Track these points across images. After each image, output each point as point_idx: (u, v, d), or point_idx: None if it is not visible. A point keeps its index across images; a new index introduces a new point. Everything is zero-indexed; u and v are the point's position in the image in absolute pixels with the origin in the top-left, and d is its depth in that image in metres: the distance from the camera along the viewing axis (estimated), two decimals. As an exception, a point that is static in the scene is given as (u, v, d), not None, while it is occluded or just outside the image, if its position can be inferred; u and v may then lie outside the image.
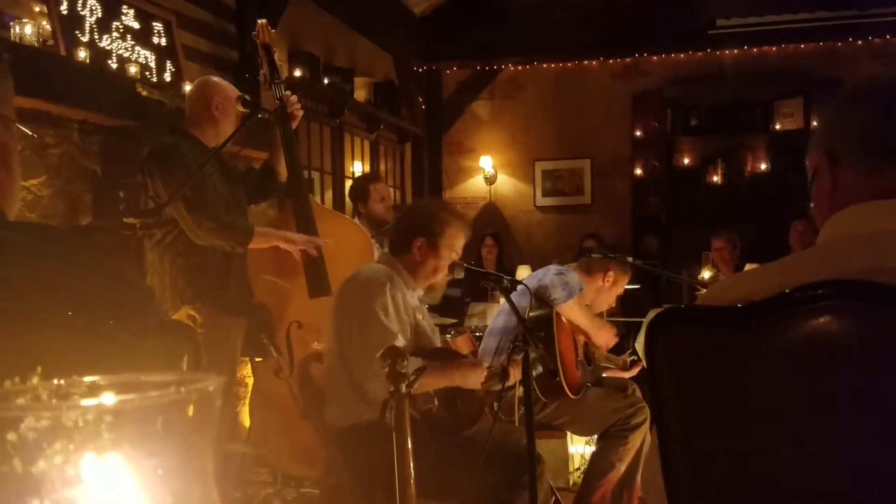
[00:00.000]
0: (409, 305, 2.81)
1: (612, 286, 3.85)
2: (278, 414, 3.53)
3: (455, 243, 2.93)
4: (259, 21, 3.64)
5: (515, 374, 2.83)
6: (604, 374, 4.04)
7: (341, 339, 2.75)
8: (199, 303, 3.25)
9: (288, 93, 3.58)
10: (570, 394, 3.49)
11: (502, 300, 3.72)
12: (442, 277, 2.97)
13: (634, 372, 3.96)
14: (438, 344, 3.04)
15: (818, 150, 1.28)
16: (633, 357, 4.07)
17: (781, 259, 1.23)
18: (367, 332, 2.70)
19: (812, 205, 1.31)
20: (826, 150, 1.26)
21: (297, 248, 3.39)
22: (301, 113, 3.62)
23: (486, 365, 2.77)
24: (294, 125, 3.60)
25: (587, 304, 3.84)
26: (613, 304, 4.06)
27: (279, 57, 3.68)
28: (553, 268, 3.74)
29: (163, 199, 3.16)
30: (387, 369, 2.14)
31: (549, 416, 3.54)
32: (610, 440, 3.53)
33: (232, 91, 3.46)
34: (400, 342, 2.65)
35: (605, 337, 3.79)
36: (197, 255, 3.23)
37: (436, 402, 2.59)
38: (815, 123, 7.68)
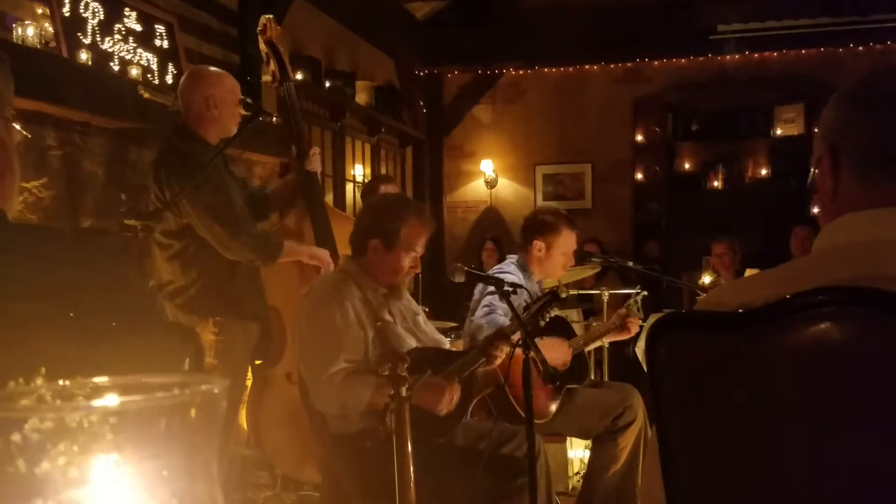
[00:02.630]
0: (362, 311, 2.78)
1: (548, 251, 3.71)
2: (279, 416, 3.53)
3: (413, 242, 2.84)
4: (264, 17, 3.51)
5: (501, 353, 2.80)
6: (607, 343, 3.94)
7: (300, 357, 2.80)
8: (226, 313, 3.23)
9: (316, 149, 3.53)
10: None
11: (476, 292, 3.71)
12: (402, 276, 2.90)
13: (633, 329, 3.79)
14: (420, 326, 3.01)
15: (824, 141, 1.25)
16: (634, 300, 3.84)
17: (779, 266, 1.23)
18: (313, 355, 2.73)
19: (815, 196, 1.28)
20: (831, 147, 1.24)
21: (322, 265, 3.37)
22: (320, 165, 3.59)
23: (453, 391, 2.72)
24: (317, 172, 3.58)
25: (540, 279, 3.80)
26: (571, 263, 3.93)
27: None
28: (486, 301, 3.56)
29: (187, 211, 3.11)
30: (387, 373, 2.14)
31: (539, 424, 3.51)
32: (601, 443, 3.54)
33: (229, 82, 3.34)
34: (342, 363, 2.66)
35: (559, 355, 3.60)
36: (224, 266, 3.20)
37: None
38: (816, 129, 7.66)
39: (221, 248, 3.15)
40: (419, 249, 2.88)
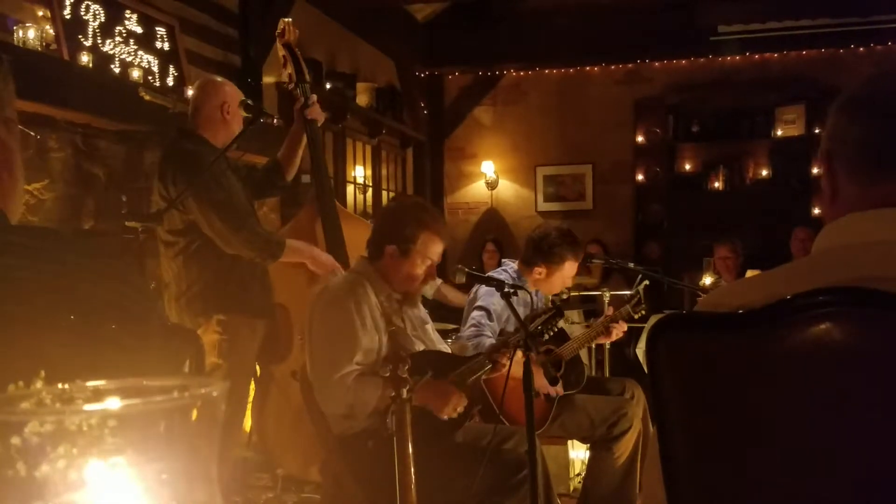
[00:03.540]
0: (377, 314, 2.78)
1: (547, 277, 3.72)
2: (284, 415, 3.53)
3: (429, 250, 2.84)
4: (283, 20, 3.58)
5: (503, 363, 2.80)
6: (607, 344, 4.00)
7: (310, 355, 2.78)
8: (230, 309, 3.24)
9: (313, 96, 3.56)
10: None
11: (467, 302, 3.71)
12: (418, 284, 2.89)
13: (615, 334, 3.77)
14: (428, 335, 3.01)
15: (822, 146, 1.27)
16: (636, 289, 3.79)
17: (779, 267, 1.23)
18: (325, 355, 2.72)
19: (822, 200, 1.30)
20: (827, 151, 1.26)
21: (323, 270, 3.37)
22: (322, 115, 3.60)
23: (459, 398, 2.72)
24: (319, 123, 3.59)
25: (535, 290, 3.80)
26: (569, 284, 3.94)
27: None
28: (473, 318, 3.54)
29: (192, 209, 3.14)
30: (388, 374, 2.14)
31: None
32: (598, 451, 3.55)
33: (238, 91, 3.45)
34: (354, 364, 2.66)
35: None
36: (226, 261, 3.22)
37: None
38: (817, 130, 7.68)
39: (223, 243, 3.18)
40: (435, 258, 2.88)
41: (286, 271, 3.49)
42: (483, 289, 3.57)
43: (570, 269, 3.76)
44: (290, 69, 3.58)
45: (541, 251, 3.71)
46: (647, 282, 3.92)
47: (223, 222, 3.14)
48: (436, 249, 2.87)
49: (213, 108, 3.33)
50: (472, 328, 3.49)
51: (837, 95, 1.28)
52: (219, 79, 3.48)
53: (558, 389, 3.52)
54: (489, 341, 3.38)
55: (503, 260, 4.01)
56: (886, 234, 1.17)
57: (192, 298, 3.22)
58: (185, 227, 3.21)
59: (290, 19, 3.60)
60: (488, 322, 3.49)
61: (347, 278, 2.89)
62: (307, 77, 3.58)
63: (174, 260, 3.26)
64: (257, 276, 3.35)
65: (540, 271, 3.71)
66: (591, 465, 3.61)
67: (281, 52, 3.61)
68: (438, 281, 5.04)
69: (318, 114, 3.56)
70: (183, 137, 3.32)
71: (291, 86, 3.61)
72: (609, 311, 3.89)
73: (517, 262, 3.83)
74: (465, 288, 3.75)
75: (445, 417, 2.69)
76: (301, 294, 3.49)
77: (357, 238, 3.53)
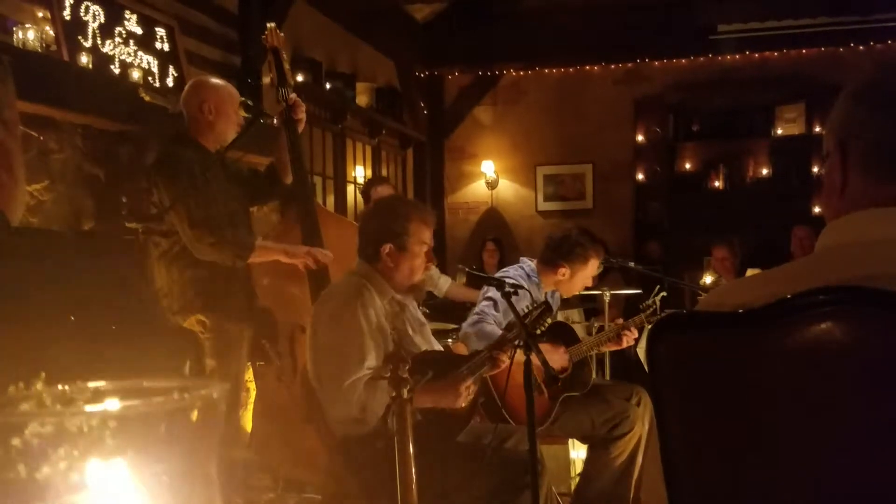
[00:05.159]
0: (382, 318, 2.78)
1: (571, 278, 3.71)
2: (280, 418, 3.54)
3: (423, 236, 2.84)
4: (268, 25, 3.62)
5: (503, 360, 2.81)
6: (606, 350, 4.00)
7: (315, 360, 2.77)
8: (209, 311, 3.26)
9: (293, 96, 3.57)
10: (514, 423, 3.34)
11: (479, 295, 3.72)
12: (420, 274, 2.91)
13: (627, 341, 3.78)
14: (426, 337, 3.01)
15: (834, 136, 1.23)
16: (653, 300, 3.79)
17: (780, 266, 1.22)
18: (334, 360, 2.70)
19: (821, 192, 1.27)
20: (840, 142, 1.22)
21: (298, 261, 3.37)
22: (303, 116, 3.60)
23: (467, 384, 2.72)
24: (300, 129, 3.59)
25: (553, 290, 3.78)
26: (590, 283, 3.92)
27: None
28: (478, 307, 3.56)
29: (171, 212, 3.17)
30: (388, 374, 2.14)
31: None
32: (595, 451, 3.55)
33: (227, 90, 3.44)
34: (365, 369, 2.65)
35: (556, 360, 3.50)
36: (204, 265, 3.24)
37: (417, 415, 2.43)
38: (817, 129, 7.67)
39: (191, 248, 3.22)
40: (429, 242, 2.89)
41: (265, 275, 3.50)
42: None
43: (592, 267, 3.76)
44: (273, 73, 3.62)
45: (563, 251, 3.69)
46: (664, 293, 3.88)
47: (191, 229, 3.18)
48: (428, 233, 2.88)
49: (194, 109, 3.36)
50: (475, 316, 3.50)
51: (838, 95, 1.25)
52: (210, 79, 3.49)
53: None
54: (489, 327, 3.39)
55: (521, 258, 3.97)
56: (890, 233, 1.16)
57: (173, 299, 3.25)
58: (168, 230, 3.26)
59: (274, 24, 3.64)
60: (493, 312, 3.49)
61: (351, 281, 2.87)
62: (288, 80, 3.60)
63: (158, 261, 3.30)
64: (239, 280, 3.36)
65: (564, 272, 3.70)
66: (588, 462, 3.61)
67: (268, 56, 3.65)
68: (448, 280, 5.04)
69: (297, 113, 3.56)
70: (175, 141, 3.36)
71: (274, 89, 3.65)
72: (609, 312, 3.88)
73: (535, 260, 3.81)
74: (471, 284, 3.73)
75: (463, 405, 2.68)
76: (283, 298, 3.51)
77: (338, 237, 3.54)
